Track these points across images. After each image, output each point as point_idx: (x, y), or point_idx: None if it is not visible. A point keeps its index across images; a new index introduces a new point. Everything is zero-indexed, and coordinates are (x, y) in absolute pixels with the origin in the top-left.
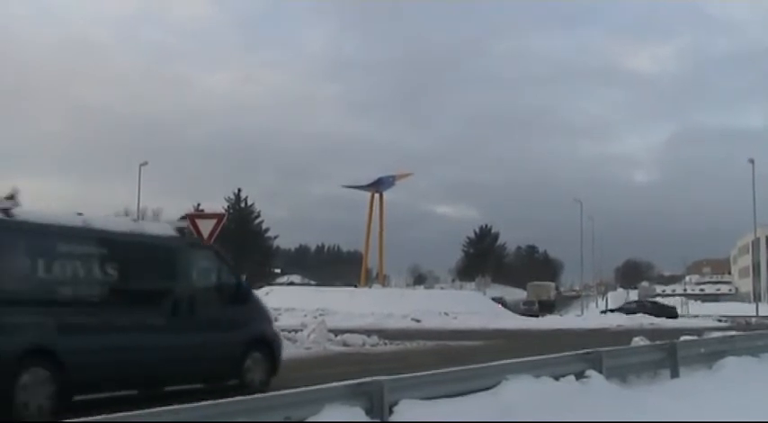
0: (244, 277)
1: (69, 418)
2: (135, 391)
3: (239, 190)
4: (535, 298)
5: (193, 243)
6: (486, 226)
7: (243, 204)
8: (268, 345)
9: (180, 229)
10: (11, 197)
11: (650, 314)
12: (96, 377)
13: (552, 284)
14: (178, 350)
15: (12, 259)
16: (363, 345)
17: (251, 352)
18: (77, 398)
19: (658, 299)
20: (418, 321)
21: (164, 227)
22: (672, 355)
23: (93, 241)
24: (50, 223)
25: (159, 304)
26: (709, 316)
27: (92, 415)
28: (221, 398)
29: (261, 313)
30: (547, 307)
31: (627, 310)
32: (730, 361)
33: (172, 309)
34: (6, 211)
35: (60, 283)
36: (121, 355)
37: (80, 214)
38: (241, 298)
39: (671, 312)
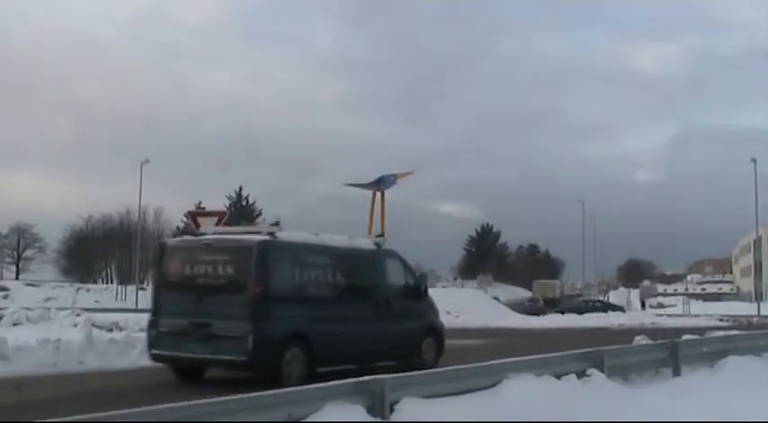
0: (423, 279)
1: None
2: (353, 366)
3: (240, 188)
4: (541, 296)
5: (389, 253)
6: (488, 225)
7: (244, 202)
8: (437, 332)
9: (377, 243)
10: (276, 223)
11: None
12: (332, 354)
13: (557, 282)
14: (383, 335)
15: (279, 268)
16: None
17: (426, 337)
18: (319, 370)
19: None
20: None
21: (366, 241)
22: (674, 353)
23: (328, 254)
24: (300, 241)
25: (370, 300)
26: (711, 315)
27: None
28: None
29: (432, 307)
30: (552, 305)
31: (577, 309)
32: (732, 360)
33: (377, 304)
34: (272, 234)
35: (308, 284)
36: (348, 338)
37: (316, 234)
38: (420, 295)
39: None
